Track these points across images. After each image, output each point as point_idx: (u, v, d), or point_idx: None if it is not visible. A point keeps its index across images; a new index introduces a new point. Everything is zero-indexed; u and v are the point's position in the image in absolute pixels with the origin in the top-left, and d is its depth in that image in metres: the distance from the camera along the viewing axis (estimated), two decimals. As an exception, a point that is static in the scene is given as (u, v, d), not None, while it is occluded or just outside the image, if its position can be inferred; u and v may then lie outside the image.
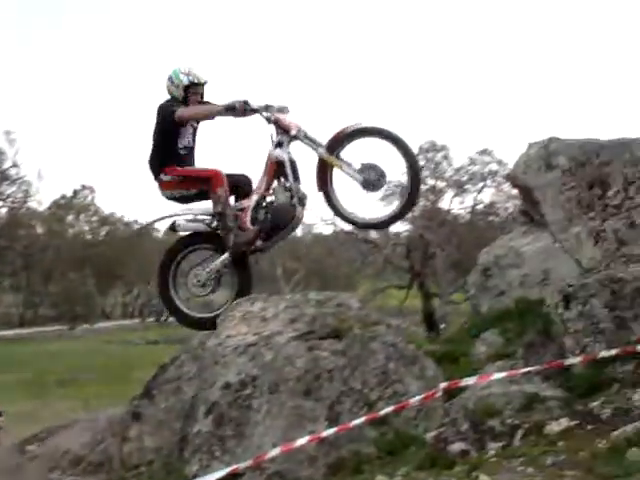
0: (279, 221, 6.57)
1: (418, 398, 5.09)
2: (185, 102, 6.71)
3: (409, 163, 6.23)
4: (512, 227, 8.88)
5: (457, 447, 4.75)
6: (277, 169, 6.54)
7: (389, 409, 5.12)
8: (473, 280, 6.85)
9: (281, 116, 6.51)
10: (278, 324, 6.02)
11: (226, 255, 6.64)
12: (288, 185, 6.51)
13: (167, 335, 40.48)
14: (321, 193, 6.55)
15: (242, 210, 6.63)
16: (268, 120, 6.52)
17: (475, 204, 40.08)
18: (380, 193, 6.43)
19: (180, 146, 6.78)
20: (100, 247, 55.38)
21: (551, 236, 6.28)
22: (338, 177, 6.49)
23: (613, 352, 4.89)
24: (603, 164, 6.16)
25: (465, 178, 39.08)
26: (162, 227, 7.26)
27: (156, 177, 6.84)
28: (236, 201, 6.73)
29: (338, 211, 6.59)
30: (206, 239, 6.83)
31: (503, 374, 5.12)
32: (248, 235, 6.55)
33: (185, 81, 6.68)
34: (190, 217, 6.85)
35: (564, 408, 4.73)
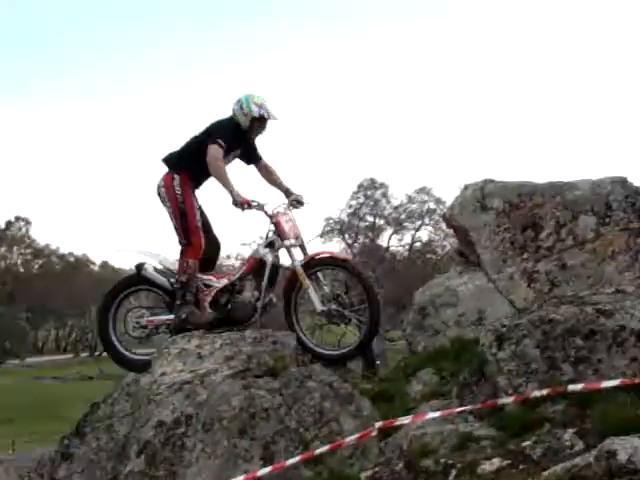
0: (235, 317, 6.55)
1: (353, 437, 5.08)
2: (248, 132, 6.64)
3: (370, 302, 6.18)
4: (448, 266, 9.02)
5: (392, 487, 4.75)
6: (257, 267, 6.53)
7: (324, 448, 5.10)
8: (409, 319, 6.91)
9: (283, 220, 6.48)
10: (214, 362, 5.98)
11: (171, 320, 6.62)
12: (260, 287, 6.48)
13: (102, 370, 39.72)
14: (283, 300, 6.53)
15: (208, 287, 6.59)
16: (270, 218, 6.50)
17: (413, 242, 40.61)
18: (338, 323, 6.45)
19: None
20: (33, 280, 54.20)
21: (486, 276, 6.39)
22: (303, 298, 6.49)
23: (545, 392, 4.96)
24: (536, 207, 6.32)
25: (403, 216, 39.62)
26: (113, 260, 7.18)
27: (168, 170, 6.70)
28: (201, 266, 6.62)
29: (293, 328, 6.47)
30: (164, 290, 6.77)
31: (438, 413, 5.15)
32: (200, 319, 6.51)
33: (255, 113, 6.59)
34: (160, 267, 6.77)
35: (497, 448, 4.77)
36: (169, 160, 6.75)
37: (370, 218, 39.32)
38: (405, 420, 5.12)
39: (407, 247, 40.60)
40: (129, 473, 5.50)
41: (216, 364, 5.94)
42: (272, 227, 6.51)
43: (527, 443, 4.65)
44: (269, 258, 6.48)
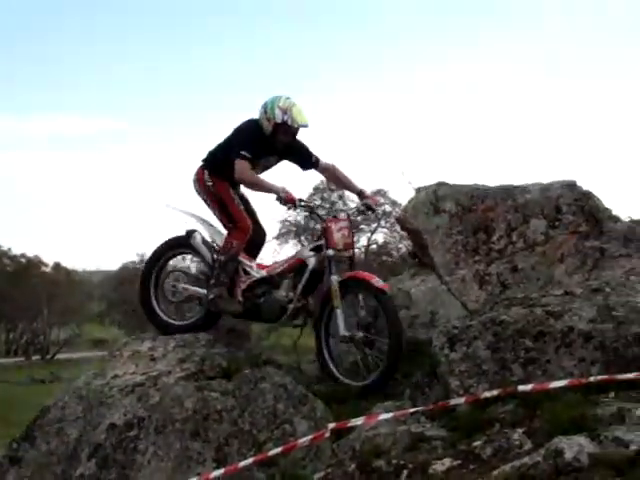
0: (263, 313, 6.32)
1: (306, 439, 5.09)
2: (272, 138, 6.27)
3: (391, 346, 5.90)
4: (402, 269, 9.09)
5: (344, 488, 4.77)
6: (298, 268, 6.26)
7: (277, 450, 5.09)
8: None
9: (334, 226, 6.16)
10: (167, 364, 5.95)
11: (201, 296, 6.44)
12: (295, 290, 6.24)
13: (54, 373, 39.13)
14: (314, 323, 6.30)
15: (247, 274, 6.36)
16: (322, 221, 6.28)
17: (369, 244, 40.73)
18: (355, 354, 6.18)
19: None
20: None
21: (438, 278, 6.45)
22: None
23: (495, 393, 5.03)
24: (488, 210, 6.40)
25: (359, 218, 39.74)
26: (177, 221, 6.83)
27: (203, 168, 6.48)
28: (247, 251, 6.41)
29: (320, 347, 6.23)
30: (205, 262, 6.55)
31: (390, 415, 5.18)
32: (227, 306, 6.29)
33: (279, 119, 6.18)
34: (209, 240, 6.53)
35: (448, 448, 4.81)
36: (206, 158, 6.52)
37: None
38: (358, 421, 5.13)
39: (363, 249, 40.74)
40: (80, 477, 5.44)
41: (169, 366, 5.91)
42: (322, 232, 6.25)
43: (477, 443, 4.70)
44: (311, 262, 6.21)
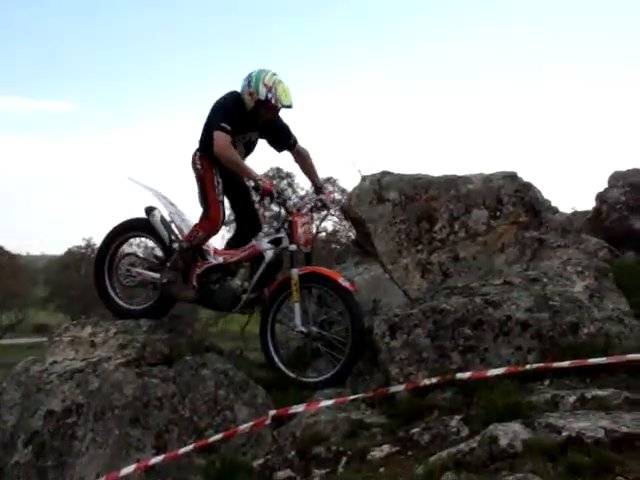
0: (216, 302, 6.18)
1: (247, 425, 5.10)
2: (253, 114, 6.00)
3: (353, 342, 5.76)
4: (346, 257, 9.12)
5: (283, 474, 4.79)
6: (255, 258, 6.09)
7: (218, 437, 5.10)
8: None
9: (299, 221, 6.02)
10: (107, 350, 5.88)
11: (155, 280, 6.29)
12: (250, 280, 6.09)
13: (-5, 359, 38.43)
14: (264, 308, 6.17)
15: (204, 260, 6.18)
16: (287, 213, 6.09)
17: (318, 232, 40.79)
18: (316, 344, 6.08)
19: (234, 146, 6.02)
20: None
21: (381, 267, 6.49)
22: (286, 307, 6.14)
23: (434, 380, 5.11)
24: (431, 199, 6.45)
25: (309, 206, 39.70)
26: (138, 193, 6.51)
27: (197, 150, 6.20)
28: (234, 245, 6.29)
29: (265, 338, 6.10)
30: (162, 243, 6.38)
31: (331, 402, 5.21)
32: (182, 293, 6.19)
33: (262, 96, 5.87)
34: (168, 219, 6.34)
35: (387, 434, 4.87)
36: (201, 140, 6.25)
37: (275, 208, 39.20)
38: (299, 408, 5.16)
39: (313, 237, 40.78)
40: (16, 464, 5.37)
41: (110, 352, 5.84)
42: (285, 225, 6.07)
43: (416, 430, 4.77)
44: (269, 255, 6.04)
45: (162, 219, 6.36)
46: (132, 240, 6.99)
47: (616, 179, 8.16)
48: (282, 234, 6.08)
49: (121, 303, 6.54)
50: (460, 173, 6.63)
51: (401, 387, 5.21)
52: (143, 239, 6.88)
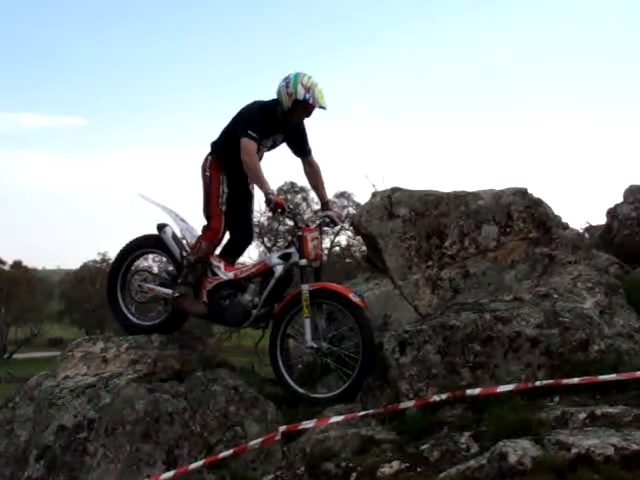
0: (226, 317, 6.20)
1: (257, 441, 5.11)
2: (289, 113, 6.09)
3: (363, 359, 5.74)
4: (357, 272, 9.13)
5: (292, 490, 4.80)
6: (265, 274, 6.11)
7: (228, 452, 5.12)
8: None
9: (309, 236, 6.04)
10: (119, 365, 5.92)
11: (167, 295, 6.32)
12: (260, 296, 6.08)
13: (11, 373, 38.58)
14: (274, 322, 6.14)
15: (214, 275, 6.21)
16: (297, 228, 6.08)
17: (332, 246, 40.82)
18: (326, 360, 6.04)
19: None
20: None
21: (392, 283, 6.50)
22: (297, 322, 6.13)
23: (444, 396, 5.11)
24: (441, 215, 6.46)
25: (318, 222, 39.59)
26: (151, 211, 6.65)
27: (208, 155, 6.32)
28: (224, 251, 6.31)
29: (274, 354, 6.08)
30: (173, 259, 6.44)
31: (341, 417, 5.22)
32: (192, 308, 6.21)
33: (300, 96, 5.98)
34: (179, 236, 6.41)
35: (397, 451, 4.87)
36: (211, 144, 6.38)
37: (290, 222, 39.14)
38: (309, 424, 5.17)
39: (326, 252, 40.80)
40: (27, 479, 5.39)
41: (121, 368, 5.88)
42: (295, 240, 6.08)
43: (425, 446, 4.77)
44: (278, 270, 6.03)
45: (173, 235, 6.41)
46: (146, 256, 7.02)
47: (631, 193, 8.12)
48: (292, 249, 6.09)
49: (133, 318, 6.58)
50: (470, 189, 6.65)
51: (411, 403, 5.22)
52: (157, 255, 6.92)
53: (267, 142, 6.27)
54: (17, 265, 58.81)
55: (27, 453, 5.59)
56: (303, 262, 5.97)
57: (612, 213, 8.07)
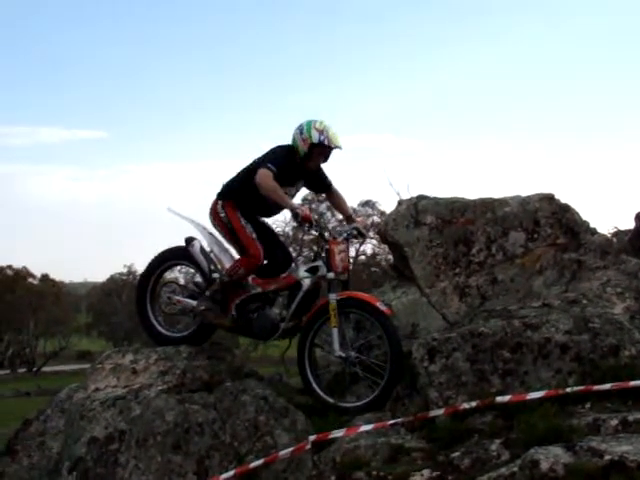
0: (254, 330, 6.21)
1: (287, 451, 5.12)
2: (307, 159, 6.17)
3: (391, 369, 5.73)
4: (384, 281, 9.12)
5: (324, 499, 4.80)
6: (292, 287, 6.14)
7: (259, 462, 5.13)
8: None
9: (337, 249, 6.05)
10: (148, 377, 5.96)
11: (194, 307, 6.36)
12: (288, 309, 6.12)
13: (40, 386, 38.88)
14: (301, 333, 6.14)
15: (242, 289, 6.23)
16: (325, 241, 6.11)
17: (358, 255, 40.78)
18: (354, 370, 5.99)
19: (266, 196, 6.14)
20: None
21: (419, 291, 6.49)
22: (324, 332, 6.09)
23: (474, 404, 5.09)
24: (468, 222, 6.45)
25: (345, 235, 39.57)
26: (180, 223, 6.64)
27: (217, 199, 6.39)
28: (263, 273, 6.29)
29: (302, 362, 6.08)
30: (201, 272, 6.47)
31: (371, 426, 5.22)
32: (219, 321, 6.27)
33: (315, 139, 6.08)
34: (207, 249, 6.46)
35: (427, 459, 4.85)
36: (221, 190, 6.45)
37: (315, 231, 39.20)
38: (339, 433, 5.17)
39: (352, 260, 40.74)
40: (60, 490, 5.45)
41: (151, 379, 5.92)
42: (323, 253, 6.09)
43: (456, 454, 4.75)
44: (306, 283, 6.07)
45: (202, 249, 6.45)
46: (173, 268, 7.06)
47: (660, 196, 8.05)
48: (319, 262, 6.10)
49: (162, 330, 6.62)
50: (496, 196, 6.63)
51: (441, 411, 5.20)
52: (184, 267, 6.96)
53: (292, 190, 6.34)
54: (45, 278, 59.33)
55: (59, 465, 5.64)
56: (331, 275, 5.99)
57: (640, 217, 8.00)
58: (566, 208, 6.44)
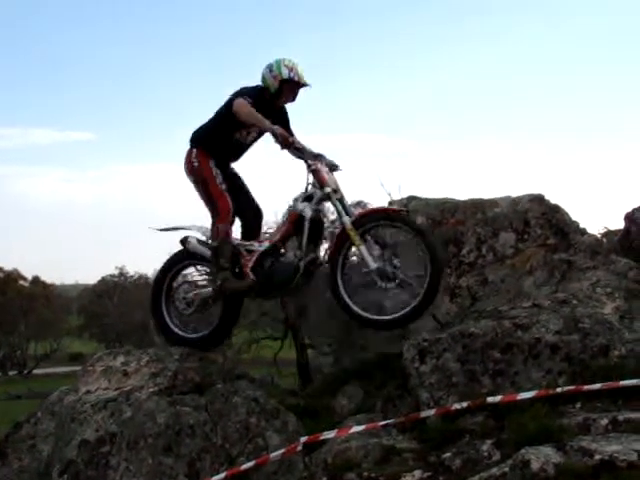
0: (276, 280, 6.09)
1: (279, 452, 5.12)
2: (277, 96, 6.20)
3: (432, 268, 5.58)
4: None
5: (315, 501, 4.80)
6: (297, 223, 6.05)
7: (250, 464, 5.13)
8: (336, 333, 6.99)
9: (323, 169, 6.01)
10: (140, 379, 5.94)
11: (213, 291, 6.29)
12: (301, 246, 5.99)
13: (31, 389, 38.72)
14: (329, 265, 5.96)
15: (250, 252, 6.18)
16: (308, 166, 6.05)
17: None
18: (391, 285, 5.75)
19: (234, 137, 6.29)
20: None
21: (411, 291, 6.48)
22: (352, 256, 5.96)
23: (465, 404, 5.09)
24: (458, 223, 6.47)
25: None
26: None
27: (191, 147, 6.36)
28: (243, 237, 6.31)
29: (339, 295, 5.92)
30: (208, 261, 6.39)
31: (362, 427, 5.22)
32: (240, 285, 6.12)
33: (285, 75, 6.12)
34: (203, 239, 6.40)
35: (418, 460, 4.86)
36: (191, 136, 6.44)
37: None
38: (330, 434, 5.17)
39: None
40: (51, 494, 5.43)
41: (142, 381, 5.90)
42: (310, 177, 6.04)
43: (447, 455, 4.76)
44: (308, 212, 5.97)
45: (198, 241, 6.44)
46: (182, 271, 6.96)
47: (650, 196, 8.09)
48: (311, 190, 6.07)
49: (180, 332, 6.53)
50: (486, 196, 6.65)
51: (432, 412, 5.21)
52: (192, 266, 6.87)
53: (255, 129, 6.31)
54: (36, 280, 59.12)
55: (50, 468, 5.63)
56: (327, 189, 5.95)
57: (630, 217, 8.01)
58: (556, 209, 6.46)
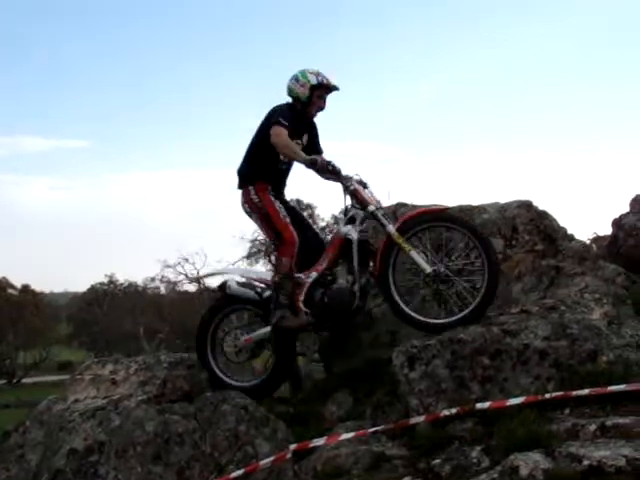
0: (333, 309, 5.98)
1: (268, 460, 5.11)
2: (308, 103, 6.23)
3: (489, 263, 5.62)
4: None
5: (305, 508, 4.79)
6: (343, 247, 6.01)
7: (239, 472, 5.11)
8: (324, 340, 6.97)
9: (360, 188, 6.00)
10: (128, 387, 5.94)
11: (268, 329, 6.18)
12: (352, 269, 5.93)
13: (20, 398, 38.52)
14: (379, 279, 5.89)
15: (298, 285, 6.05)
16: (346, 188, 6.01)
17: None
18: (449, 289, 5.82)
19: (281, 160, 6.26)
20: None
21: (399, 298, 6.47)
22: (402, 264, 5.90)
23: (454, 411, 5.10)
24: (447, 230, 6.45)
25: (330, 237, 39.57)
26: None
27: (242, 186, 6.31)
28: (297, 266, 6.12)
29: (395, 304, 5.88)
30: (253, 303, 6.32)
31: (351, 434, 5.22)
32: (296, 322, 6.03)
33: (313, 81, 6.18)
34: (243, 280, 6.34)
35: (408, 466, 4.86)
36: (240, 175, 6.36)
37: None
38: (319, 442, 5.17)
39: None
40: (39, 503, 5.41)
41: (130, 390, 5.91)
42: (349, 200, 6.04)
43: (437, 461, 4.76)
44: (354, 235, 5.93)
45: (238, 284, 6.36)
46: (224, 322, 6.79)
47: (637, 203, 8.12)
48: (352, 211, 6.04)
49: (230, 381, 6.41)
50: (475, 203, 6.66)
51: (421, 418, 5.21)
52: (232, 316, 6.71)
53: (299, 142, 6.31)
54: (25, 289, 58.84)
55: (38, 477, 5.61)
56: (371, 208, 5.92)
57: (618, 223, 8.07)
58: (544, 215, 6.48)
